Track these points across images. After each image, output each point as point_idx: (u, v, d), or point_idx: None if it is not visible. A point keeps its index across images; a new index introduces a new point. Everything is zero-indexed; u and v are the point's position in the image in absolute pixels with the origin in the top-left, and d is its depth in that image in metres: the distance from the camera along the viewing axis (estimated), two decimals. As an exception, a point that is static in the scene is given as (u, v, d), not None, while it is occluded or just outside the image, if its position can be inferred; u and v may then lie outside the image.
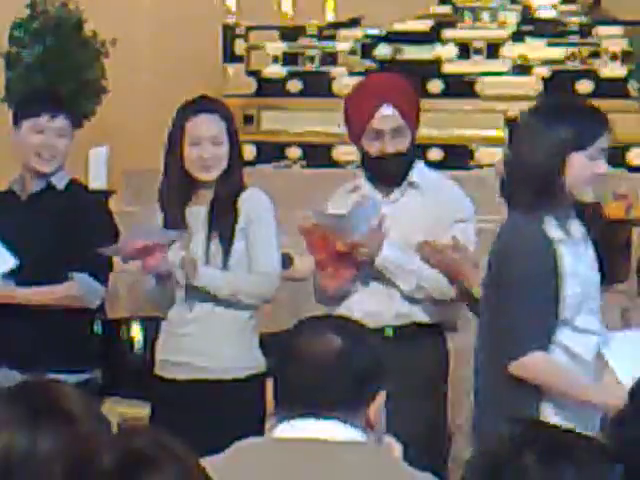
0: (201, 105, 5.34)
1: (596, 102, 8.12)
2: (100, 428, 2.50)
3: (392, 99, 5.32)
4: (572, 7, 9.00)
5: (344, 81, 8.92)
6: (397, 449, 3.22)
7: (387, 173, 5.34)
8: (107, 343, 6.37)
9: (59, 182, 5.63)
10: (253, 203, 5.31)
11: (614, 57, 8.48)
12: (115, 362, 6.35)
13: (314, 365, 3.02)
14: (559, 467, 2.21)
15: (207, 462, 2.88)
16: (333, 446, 2.96)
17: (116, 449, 1.91)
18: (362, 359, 3.05)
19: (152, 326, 5.91)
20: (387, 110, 5.28)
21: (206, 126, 5.24)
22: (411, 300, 5.22)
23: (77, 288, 5.49)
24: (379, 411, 3.06)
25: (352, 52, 9.18)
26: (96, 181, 7.83)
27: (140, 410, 5.43)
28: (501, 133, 7.01)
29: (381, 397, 3.04)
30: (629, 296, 5.47)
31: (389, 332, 5.16)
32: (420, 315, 5.27)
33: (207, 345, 5.24)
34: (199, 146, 5.20)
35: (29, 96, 6.58)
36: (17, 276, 5.50)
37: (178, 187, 5.29)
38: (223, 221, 5.24)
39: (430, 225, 5.25)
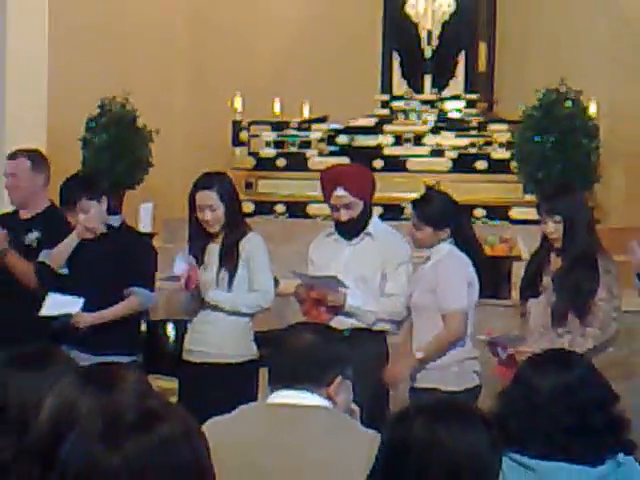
0: (201, 183, 5.32)
1: (488, 176, 8.33)
2: (141, 392, 2.47)
3: (344, 184, 5.29)
4: (473, 110, 8.96)
5: (316, 160, 8.90)
6: (357, 411, 3.22)
7: (343, 233, 5.35)
8: (150, 337, 6.42)
9: (115, 222, 5.61)
10: (252, 243, 5.30)
11: (501, 145, 8.50)
12: (155, 350, 6.36)
13: (293, 354, 3.04)
14: (439, 430, 2.16)
15: (220, 419, 3.03)
16: (306, 409, 2.98)
17: (140, 408, 1.91)
18: (325, 353, 3.07)
19: (181, 326, 5.87)
20: (340, 192, 5.27)
21: (204, 199, 5.23)
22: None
23: (138, 300, 5.47)
24: (337, 390, 3.05)
25: (321, 140, 9.13)
26: (144, 227, 7.78)
27: (171, 384, 5.43)
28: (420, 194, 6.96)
29: (338, 381, 3.04)
30: (514, 309, 5.52)
31: (346, 333, 5.04)
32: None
33: (218, 339, 5.24)
34: (202, 212, 5.21)
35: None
36: (89, 295, 5.38)
37: (197, 235, 5.31)
38: (229, 257, 5.23)
39: (379, 264, 5.28)
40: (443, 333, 5.02)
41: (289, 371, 3.01)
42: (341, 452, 2.86)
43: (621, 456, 2.75)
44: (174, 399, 5.14)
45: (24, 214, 5.95)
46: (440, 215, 5.13)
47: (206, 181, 5.31)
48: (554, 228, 4.98)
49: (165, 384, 5.38)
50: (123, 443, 1.81)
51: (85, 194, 5.56)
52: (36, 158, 6.02)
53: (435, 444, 2.14)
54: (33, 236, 5.80)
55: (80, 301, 5.35)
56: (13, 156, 6.06)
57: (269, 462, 2.89)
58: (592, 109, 7.98)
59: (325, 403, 3.01)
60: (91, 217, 5.50)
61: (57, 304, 5.40)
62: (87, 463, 1.81)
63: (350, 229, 5.32)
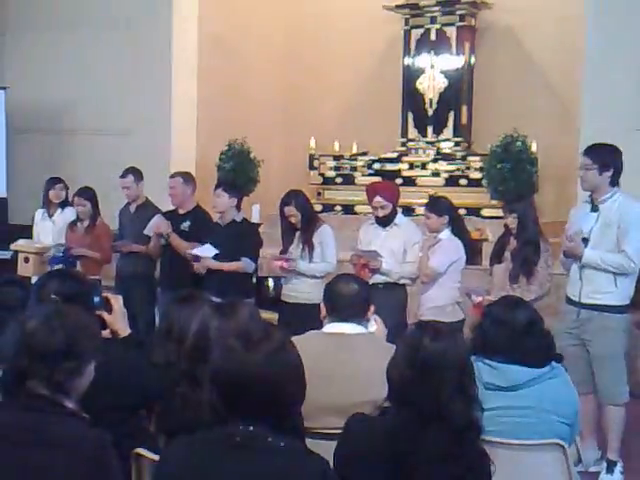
0: (285, 200, 5.28)
1: (468, 189, 8.27)
2: (256, 320, 2.52)
3: (381, 193, 5.27)
4: (458, 148, 8.79)
5: (360, 178, 8.79)
6: (384, 332, 3.13)
7: (380, 223, 5.29)
8: (259, 287, 6.39)
9: (238, 218, 5.58)
10: (324, 232, 5.29)
11: (476, 170, 8.33)
12: (261, 294, 6.30)
13: (345, 295, 2.95)
14: (443, 342, 2.12)
15: (297, 337, 2.96)
16: (351, 335, 2.91)
17: (263, 329, 1.88)
18: (366, 293, 3.01)
19: (277, 280, 5.87)
20: (378, 199, 5.24)
21: (287, 210, 5.22)
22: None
23: (244, 264, 5.44)
24: (372, 313, 3.01)
25: (363, 166, 9.00)
26: (255, 219, 7.76)
27: (274, 315, 5.41)
28: (425, 200, 6.89)
29: (372, 309, 2.99)
30: (484, 272, 5.45)
31: (381, 286, 5.08)
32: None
33: (304, 289, 5.23)
34: (288, 218, 5.22)
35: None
36: (220, 258, 5.42)
37: (287, 229, 5.29)
38: (308, 242, 5.21)
39: (402, 242, 5.23)
40: (429, 271, 5.01)
41: (341, 308, 2.93)
42: (377, 362, 2.74)
43: (554, 363, 2.71)
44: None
45: (180, 211, 6.00)
46: (439, 208, 5.10)
47: (288, 199, 5.28)
48: (512, 221, 4.91)
49: (268, 316, 5.35)
50: (257, 348, 1.79)
51: (221, 187, 5.58)
52: (186, 177, 6.07)
53: (444, 351, 2.09)
54: (185, 225, 5.86)
55: (214, 253, 5.38)
56: (172, 176, 6.11)
57: (329, 371, 2.82)
58: (534, 147, 7.82)
59: (365, 330, 2.93)
60: (220, 203, 5.47)
61: (204, 250, 5.42)
62: (234, 362, 1.80)
63: (384, 221, 5.28)
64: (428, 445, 2.00)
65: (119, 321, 2.75)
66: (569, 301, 4.38)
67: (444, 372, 2.05)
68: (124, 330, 2.76)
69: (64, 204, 6.72)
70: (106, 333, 2.70)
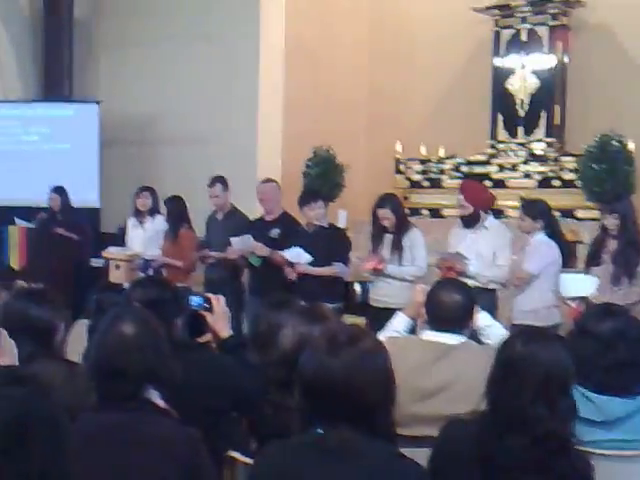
0: (379, 203, 5.29)
1: (561, 191, 8.04)
2: (341, 323, 2.52)
3: (463, 192, 5.24)
4: (551, 149, 8.54)
5: (448, 182, 8.72)
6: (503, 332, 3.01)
7: (465, 224, 5.26)
8: (346, 291, 6.33)
9: (324, 223, 5.61)
10: (414, 235, 5.28)
11: (570, 171, 8.11)
12: (349, 299, 6.27)
13: (446, 305, 2.87)
14: (534, 345, 2.05)
15: (397, 339, 2.94)
16: (446, 345, 2.82)
17: (346, 331, 1.87)
18: (468, 301, 2.92)
19: (364, 285, 5.90)
20: (460, 197, 5.22)
21: (381, 213, 5.24)
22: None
23: (339, 269, 5.49)
24: (477, 317, 2.94)
25: (451, 169, 8.90)
26: (341, 225, 7.69)
27: (361, 320, 5.41)
28: (516, 203, 6.73)
29: (477, 310, 2.92)
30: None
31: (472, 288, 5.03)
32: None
33: (392, 293, 5.18)
34: (382, 220, 5.23)
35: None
36: (312, 263, 5.47)
37: (378, 232, 5.28)
38: (398, 245, 5.19)
39: (491, 246, 5.14)
40: (523, 274, 4.92)
41: (441, 320, 2.85)
42: (477, 372, 2.62)
43: None
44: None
45: (268, 218, 6.02)
46: (535, 211, 4.99)
47: (382, 202, 5.29)
48: (612, 222, 4.81)
49: (357, 320, 5.37)
50: (340, 353, 1.78)
51: (313, 198, 5.63)
52: (277, 184, 6.11)
53: (531, 354, 2.03)
54: (275, 232, 5.87)
55: (307, 259, 5.42)
56: (265, 181, 6.16)
57: (427, 380, 2.74)
58: (630, 147, 7.58)
59: (464, 339, 2.84)
60: (322, 213, 5.55)
61: (295, 255, 5.42)
62: (316, 366, 1.80)
63: (465, 222, 5.24)
64: (508, 451, 1.96)
65: (220, 321, 2.78)
66: None
67: (527, 375, 1.99)
68: (225, 331, 2.79)
69: (154, 212, 6.89)
70: (208, 336, 2.76)
